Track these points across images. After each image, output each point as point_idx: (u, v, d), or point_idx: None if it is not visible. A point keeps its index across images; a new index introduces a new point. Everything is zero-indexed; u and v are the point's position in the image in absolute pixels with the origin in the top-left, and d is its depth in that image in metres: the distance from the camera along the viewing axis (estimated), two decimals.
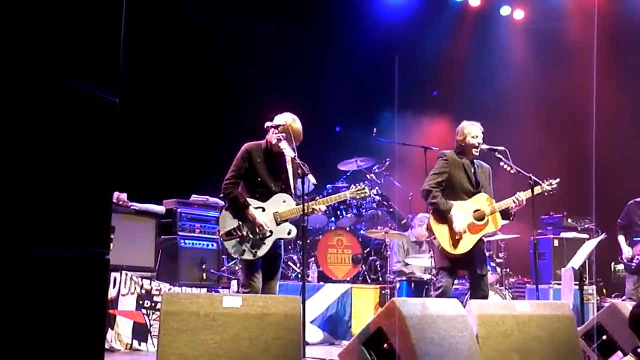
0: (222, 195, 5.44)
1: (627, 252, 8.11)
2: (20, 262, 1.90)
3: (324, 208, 5.49)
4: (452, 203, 5.66)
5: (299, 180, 5.29)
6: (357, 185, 5.78)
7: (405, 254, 8.36)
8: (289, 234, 5.33)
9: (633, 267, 8.06)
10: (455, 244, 5.65)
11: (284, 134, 5.17)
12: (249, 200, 5.25)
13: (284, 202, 5.31)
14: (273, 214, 5.26)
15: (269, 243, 5.22)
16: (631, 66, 10.45)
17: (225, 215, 5.29)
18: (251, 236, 5.19)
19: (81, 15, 2.10)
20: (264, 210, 5.25)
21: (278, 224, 5.26)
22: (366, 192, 5.72)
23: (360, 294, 8.42)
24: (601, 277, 8.95)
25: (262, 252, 5.19)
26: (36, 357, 1.92)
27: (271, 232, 5.22)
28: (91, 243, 2.12)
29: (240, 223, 5.22)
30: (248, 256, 5.17)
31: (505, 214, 5.85)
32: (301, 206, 5.24)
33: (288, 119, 5.29)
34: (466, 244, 5.66)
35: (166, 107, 9.28)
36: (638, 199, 8.34)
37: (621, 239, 8.21)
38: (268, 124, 5.25)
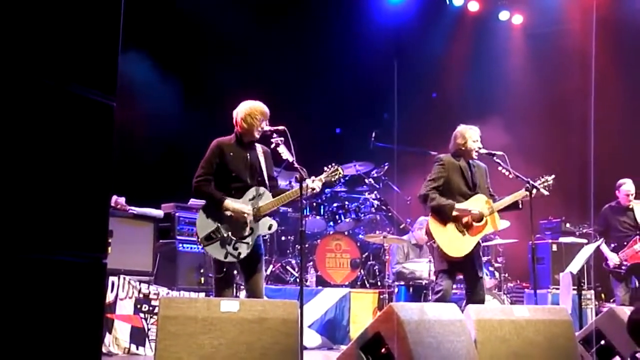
0: (193, 193, 5.23)
1: (613, 258, 8.09)
2: (17, 266, 1.89)
3: (319, 184, 5.13)
4: (452, 201, 5.69)
5: (276, 171, 5.21)
6: (330, 167, 5.34)
7: (405, 257, 8.36)
8: (270, 228, 5.13)
9: (622, 273, 8.05)
10: (455, 246, 5.65)
11: (281, 138, 5.14)
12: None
13: (261, 195, 5.09)
14: (252, 210, 5.04)
15: (251, 241, 5.01)
16: (630, 71, 10.46)
17: (202, 217, 5.05)
18: (232, 237, 4.98)
19: (78, 19, 2.10)
20: None
21: (257, 220, 5.06)
22: (340, 172, 5.33)
23: (359, 298, 8.43)
24: (599, 281, 8.94)
25: (245, 251, 4.98)
26: None
27: (252, 229, 5.02)
28: (88, 247, 2.11)
29: (219, 225, 5.00)
30: (231, 258, 4.94)
31: (514, 204, 5.87)
32: (279, 197, 5.09)
33: (253, 105, 5.15)
34: (466, 246, 5.67)
35: (165, 111, 9.28)
36: (612, 203, 8.35)
37: (603, 246, 8.17)
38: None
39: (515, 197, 5.81)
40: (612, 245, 8.17)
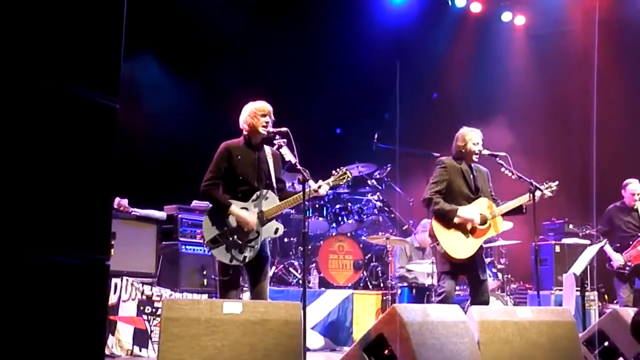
0: (201, 197, 5.21)
1: (617, 259, 8.07)
2: (20, 267, 1.89)
3: (326, 188, 5.15)
4: (455, 207, 5.68)
5: (283, 172, 5.20)
6: (338, 170, 5.32)
7: (408, 260, 8.36)
8: (276, 232, 5.13)
9: (626, 274, 8.04)
10: (459, 248, 5.65)
11: (284, 140, 5.13)
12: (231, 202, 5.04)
13: (267, 199, 5.08)
14: (257, 213, 5.04)
15: (257, 245, 5.01)
16: (632, 72, 10.45)
17: (208, 221, 5.05)
18: (238, 241, 4.97)
19: (81, 20, 2.10)
20: (247, 210, 5.04)
21: (263, 224, 5.05)
22: (348, 176, 5.32)
23: (361, 300, 8.42)
24: (603, 282, 8.93)
25: (250, 255, 4.98)
26: None
27: (257, 232, 5.02)
28: (91, 249, 2.11)
29: (225, 228, 5.00)
30: (236, 262, 4.95)
31: (518, 208, 5.86)
32: (285, 202, 5.08)
33: (252, 104, 5.15)
34: (469, 248, 5.67)
35: (167, 112, 9.28)
36: (617, 203, 8.33)
37: (607, 246, 8.16)
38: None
39: (519, 202, 5.81)
40: (616, 245, 8.15)
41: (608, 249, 8.14)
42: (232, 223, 5.01)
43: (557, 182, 5.92)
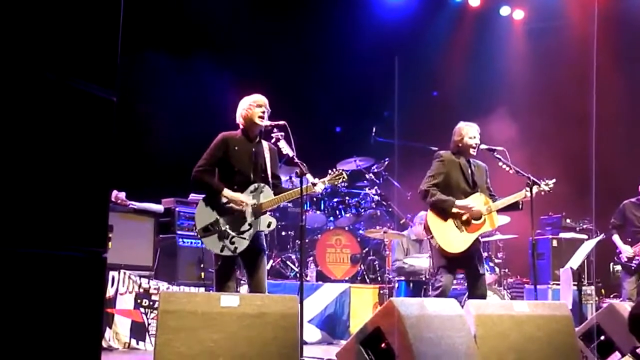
0: (191, 182, 5.15)
1: (626, 251, 8.10)
2: (17, 260, 1.89)
3: (322, 187, 5.13)
4: (452, 198, 5.69)
5: (281, 166, 5.18)
6: (334, 170, 5.34)
7: (405, 253, 8.36)
8: (269, 226, 5.09)
9: (633, 267, 8.07)
10: (453, 242, 5.66)
11: (282, 133, 5.12)
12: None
13: (262, 192, 5.05)
14: (251, 205, 5.02)
15: (248, 237, 4.97)
16: (631, 66, 10.45)
17: (201, 209, 5.02)
18: (230, 231, 4.94)
19: (79, 13, 2.09)
20: None
21: (257, 217, 5.03)
22: (344, 177, 5.33)
23: (359, 293, 8.43)
24: (599, 277, 8.95)
25: (241, 246, 4.94)
26: (33, 356, 1.92)
27: (250, 225, 4.99)
28: (88, 241, 2.11)
29: (218, 217, 4.97)
30: (227, 252, 4.91)
31: (514, 205, 5.88)
32: (281, 196, 5.09)
33: (247, 97, 5.15)
34: (463, 243, 5.67)
35: (165, 105, 9.27)
36: (633, 199, 8.36)
37: (616, 238, 8.22)
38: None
39: (515, 198, 5.82)
40: (628, 240, 8.21)
41: (618, 241, 8.20)
42: (226, 213, 4.99)
43: (554, 180, 5.93)
